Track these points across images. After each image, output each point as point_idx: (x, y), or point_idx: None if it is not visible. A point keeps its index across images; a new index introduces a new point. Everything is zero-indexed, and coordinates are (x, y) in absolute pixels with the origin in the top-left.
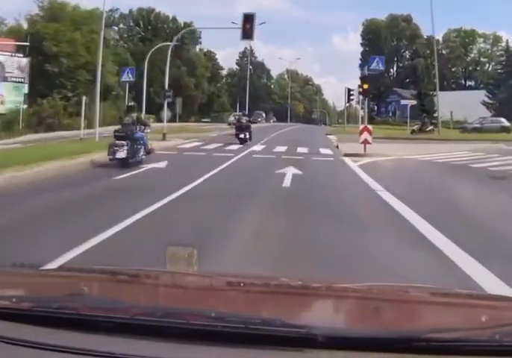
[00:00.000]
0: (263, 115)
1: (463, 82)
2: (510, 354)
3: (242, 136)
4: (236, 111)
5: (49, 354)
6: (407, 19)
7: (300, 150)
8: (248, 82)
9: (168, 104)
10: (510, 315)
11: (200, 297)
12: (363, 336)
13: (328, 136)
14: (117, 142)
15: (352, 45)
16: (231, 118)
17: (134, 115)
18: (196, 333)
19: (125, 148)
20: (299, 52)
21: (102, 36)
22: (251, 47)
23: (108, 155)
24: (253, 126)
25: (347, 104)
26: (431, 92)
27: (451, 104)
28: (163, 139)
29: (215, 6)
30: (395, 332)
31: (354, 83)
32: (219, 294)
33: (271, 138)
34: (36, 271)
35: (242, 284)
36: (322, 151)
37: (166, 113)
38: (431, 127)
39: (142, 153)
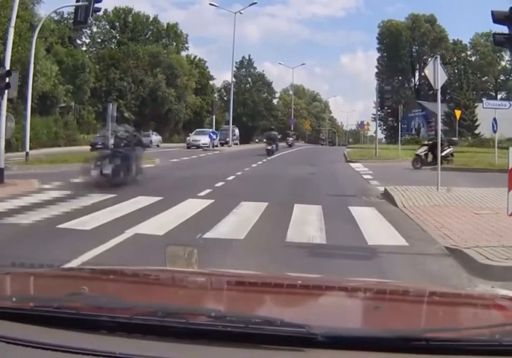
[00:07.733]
0: (236, 132)
1: (493, 94)
2: (510, 354)
3: None
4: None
5: (50, 354)
6: (431, 20)
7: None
8: (231, 91)
9: (102, 111)
10: (510, 314)
11: (200, 297)
12: (362, 336)
13: (358, 169)
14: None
15: (361, 64)
16: (191, 138)
17: None
18: (197, 333)
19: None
20: (308, 72)
21: None
22: (249, 56)
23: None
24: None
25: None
26: (472, 103)
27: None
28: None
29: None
30: (395, 332)
31: (362, 103)
32: (219, 294)
33: None
34: (36, 270)
35: (242, 284)
36: None
37: (4, 124)
38: (448, 150)
39: None
